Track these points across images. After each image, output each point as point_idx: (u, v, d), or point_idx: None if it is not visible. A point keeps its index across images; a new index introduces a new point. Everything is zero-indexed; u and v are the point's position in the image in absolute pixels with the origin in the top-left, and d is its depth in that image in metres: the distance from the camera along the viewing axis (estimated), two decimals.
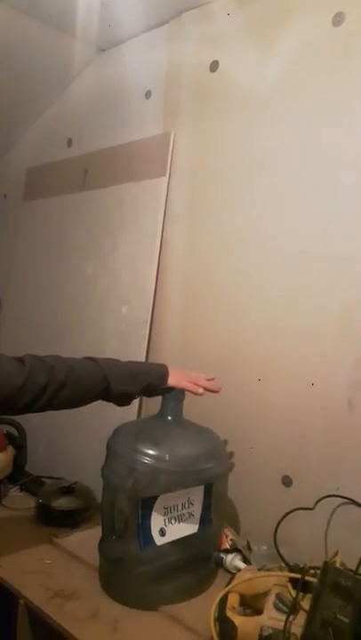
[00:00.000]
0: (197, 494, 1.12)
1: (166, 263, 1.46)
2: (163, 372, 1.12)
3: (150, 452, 1.03)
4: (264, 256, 1.26)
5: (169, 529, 1.07)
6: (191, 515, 1.11)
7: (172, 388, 1.12)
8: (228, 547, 1.18)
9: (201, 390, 1.13)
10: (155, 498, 1.05)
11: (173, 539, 1.08)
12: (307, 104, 1.20)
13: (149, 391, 1.12)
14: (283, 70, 1.24)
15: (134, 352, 1.45)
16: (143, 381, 1.09)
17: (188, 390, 1.13)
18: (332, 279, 1.15)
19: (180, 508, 1.09)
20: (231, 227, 1.33)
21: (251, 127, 1.30)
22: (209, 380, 1.17)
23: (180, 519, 1.09)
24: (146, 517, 1.05)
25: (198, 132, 1.41)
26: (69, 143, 1.80)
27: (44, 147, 1.89)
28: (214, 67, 1.38)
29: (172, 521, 1.08)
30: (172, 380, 1.12)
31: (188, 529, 1.10)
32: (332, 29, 1.16)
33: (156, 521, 1.06)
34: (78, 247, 1.68)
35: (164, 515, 1.07)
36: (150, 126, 1.51)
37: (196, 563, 1.11)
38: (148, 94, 1.54)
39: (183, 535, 1.09)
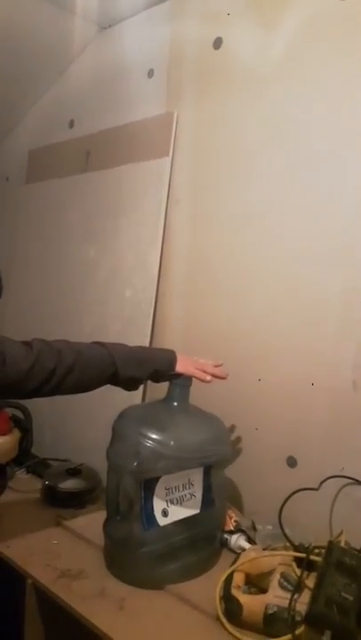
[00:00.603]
0: (197, 475, 1.13)
1: (170, 246, 1.45)
2: (171, 357, 1.12)
3: (154, 436, 1.04)
4: (267, 237, 1.25)
5: (171, 510, 1.09)
6: (193, 495, 1.12)
7: (179, 375, 1.12)
8: (232, 528, 1.19)
9: (209, 378, 1.13)
10: (156, 479, 1.06)
11: (176, 519, 1.09)
12: (312, 82, 1.18)
13: (157, 377, 1.12)
14: (288, 46, 1.22)
15: (138, 336, 1.45)
16: (151, 367, 1.09)
17: (196, 377, 1.13)
18: (335, 260, 1.14)
19: (180, 488, 1.10)
20: (235, 208, 1.32)
21: (255, 106, 1.28)
22: (216, 366, 1.17)
23: (181, 500, 1.10)
24: (148, 498, 1.06)
25: (202, 112, 1.39)
26: (71, 124, 1.77)
27: (46, 128, 1.87)
28: (218, 44, 1.35)
29: (174, 502, 1.09)
30: (180, 367, 1.12)
31: (190, 509, 1.11)
32: (339, 4, 1.13)
33: (159, 502, 1.07)
34: (81, 230, 1.67)
35: (166, 496, 1.08)
36: (153, 106, 1.49)
37: (200, 543, 1.12)
38: (150, 73, 1.52)
39: (185, 516, 1.10)
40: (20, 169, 1.96)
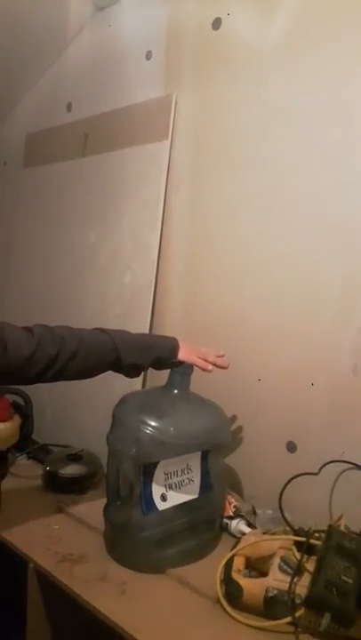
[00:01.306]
0: (195, 460, 1.13)
1: (169, 229, 1.44)
2: (173, 345, 1.12)
3: (154, 423, 1.04)
4: (267, 221, 1.24)
5: (170, 494, 1.09)
6: (191, 480, 1.13)
7: (181, 362, 1.12)
8: (231, 513, 1.19)
9: (210, 367, 1.13)
10: (155, 464, 1.07)
11: (174, 504, 1.09)
12: (313, 62, 1.16)
13: (159, 364, 1.11)
14: (288, 26, 1.19)
15: (138, 320, 1.45)
16: (153, 354, 1.09)
17: (198, 366, 1.12)
18: (336, 243, 1.13)
19: (179, 473, 1.11)
20: (235, 192, 1.30)
21: (255, 87, 1.26)
22: (218, 356, 1.16)
23: (180, 485, 1.11)
24: (147, 483, 1.06)
25: (201, 94, 1.37)
26: (69, 107, 1.75)
27: (43, 112, 1.85)
28: (217, 24, 1.33)
29: (173, 486, 1.10)
30: (182, 354, 1.11)
31: (188, 494, 1.12)
32: None
33: (157, 487, 1.07)
34: (80, 214, 1.66)
35: (165, 480, 1.09)
36: (151, 88, 1.47)
37: (200, 527, 1.12)
38: (148, 55, 1.49)
39: (184, 500, 1.11)
40: (17, 153, 1.94)
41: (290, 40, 1.19)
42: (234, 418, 1.29)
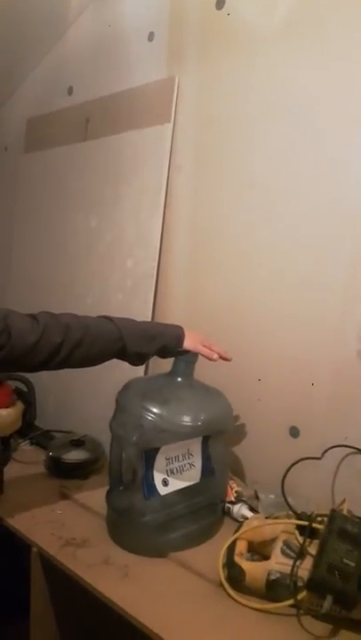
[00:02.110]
0: (196, 445, 1.14)
1: (172, 215, 1.42)
2: (179, 333, 1.11)
3: (157, 410, 1.04)
4: (272, 205, 1.23)
5: (171, 479, 1.10)
6: (192, 465, 1.13)
7: (186, 351, 1.11)
8: (232, 499, 1.20)
9: (215, 356, 1.12)
10: (157, 450, 1.07)
11: (176, 488, 1.10)
12: (317, 43, 1.13)
13: (164, 353, 1.11)
14: (292, 7, 1.17)
15: (140, 307, 1.44)
16: (159, 343, 1.08)
17: (203, 355, 1.12)
18: (342, 227, 1.11)
19: (180, 458, 1.11)
20: (238, 176, 1.29)
21: (260, 69, 1.23)
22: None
23: (181, 469, 1.11)
24: (149, 469, 1.07)
25: (204, 76, 1.35)
26: (70, 91, 1.73)
27: (44, 96, 1.83)
28: (220, 3, 1.30)
29: (174, 471, 1.10)
30: (188, 343, 1.11)
31: (189, 479, 1.12)
32: None
33: (159, 472, 1.08)
34: (81, 199, 1.64)
35: (166, 465, 1.09)
36: (154, 70, 1.45)
37: (202, 512, 1.13)
38: (150, 36, 1.47)
39: (185, 485, 1.11)
40: (18, 138, 1.92)
41: (295, 19, 1.17)
42: (237, 403, 1.29)
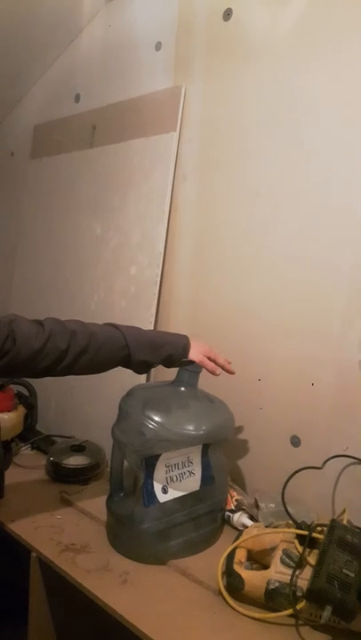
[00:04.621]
0: (196, 454, 1.14)
1: (176, 222, 1.43)
2: (184, 343, 1.10)
3: (159, 419, 1.04)
4: (276, 213, 1.23)
5: (171, 487, 1.09)
6: (192, 473, 1.13)
7: (191, 361, 1.11)
8: (232, 507, 1.19)
9: (218, 371, 1.12)
10: (157, 457, 1.07)
11: (175, 496, 1.10)
12: (325, 54, 1.14)
13: (169, 362, 1.10)
14: (299, 18, 1.18)
15: (143, 313, 1.44)
16: (165, 352, 1.07)
17: (207, 369, 1.12)
18: (345, 236, 1.12)
19: (180, 466, 1.11)
20: (243, 184, 1.29)
21: (266, 79, 1.24)
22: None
23: (180, 477, 1.11)
24: (149, 476, 1.07)
25: (210, 85, 1.36)
26: (77, 98, 1.74)
27: (51, 103, 1.84)
28: (228, 15, 1.31)
29: (174, 479, 1.10)
30: (193, 354, 1.10)
31: (189, 487, 1.12)
32: None
33: (159, 479, 1.08)
34: (87, 206, 1.65)
35: (166, 473, 1.09)
36: (160, 79, 1.46)
37: (202, 520, 1.13)
38: (158, 46, 1.48)
39: (185, 493, 1.11)
40: (25, 144, 1.93)
41: (302, 29, 1.18)
42: (238, 412, 1.29)
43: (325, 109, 1.14)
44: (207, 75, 1.37)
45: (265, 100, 1.25)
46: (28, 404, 1.65)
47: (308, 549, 0.94)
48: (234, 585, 0.95)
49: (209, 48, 1.37)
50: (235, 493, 1.22)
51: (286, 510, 1.04)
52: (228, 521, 1.19)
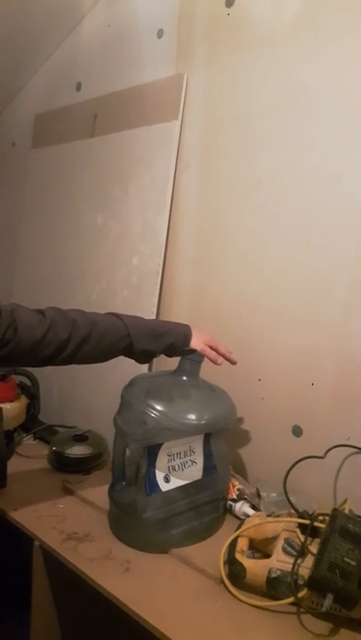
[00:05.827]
0: (197, 443, 1.14)
1: (178, 212, 1.42)
2: (186, 332, 1.10)
3: (161, 408, 1.04)
4: (278, 203, 1.22)
5: (173, 476, 1.10)
6: (194, 462, 1.13)
7: (193, 350, 1.11)
8: (234, 496, 1.20)
9: (220, 360, 1.12)
10: (159, 446, 1.07)
11: (177, 485, 1.10)
12: (328, 42, 1.13)
13: (171, 351, 1.10)
14: (302, 4, 1.17)
15: (145, 304, 1.44)
16: (166, 341, 1.07)
17: (208, 358, 1.12)
18: (348, 226, 1.11)
19: (182, 455, 1.11)
20: (245, 173, 1.29)
21: (268, 67, 1.23)
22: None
23: (183, 466, 1.11)
24: (151, 465, 1.07)
25: (212, 73, 1.35)
26: (78, 87, 1.73)
27: (52, 92, 1.83)
28: (230, 2, 1.30)
29: (176, 468, 1.10)
30: (195, 343, 1.10)
31: (191, 476, 1.12)
32: None
33: (161, 468, 1.08)
34: (88, 195, 1.65)
35: (168, 462, 1.09)
36: (162, 67, 1.44)
37: (203, 508, 1.13)
38: (159, 33, 1.47)
39: (187, 482, 1.11)
40: (26, 134, 1.92)
41: (306, 16, 1.16)
42: (240, 402, 1.29)
43: (330, 98, 1.13)
44: (209, 62, 1.35)
45: (268, 88, 1.23)
46: (31, 394, 1.66)
47: (309, 538, 0.94)
48: (236, 573, 0.95)
49: (211, 35, 1.35)
50: (237, 483, 1.22)
51: (288, 499, 1.05)
52: (229, 510, 1.19)
